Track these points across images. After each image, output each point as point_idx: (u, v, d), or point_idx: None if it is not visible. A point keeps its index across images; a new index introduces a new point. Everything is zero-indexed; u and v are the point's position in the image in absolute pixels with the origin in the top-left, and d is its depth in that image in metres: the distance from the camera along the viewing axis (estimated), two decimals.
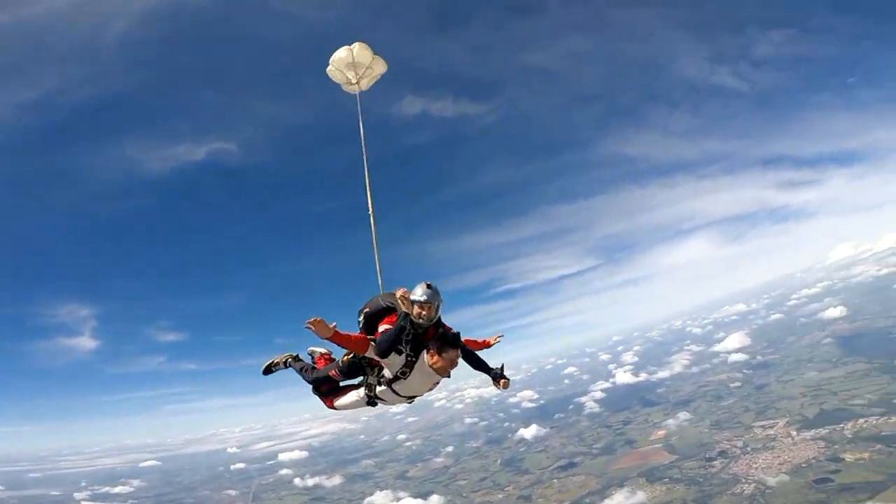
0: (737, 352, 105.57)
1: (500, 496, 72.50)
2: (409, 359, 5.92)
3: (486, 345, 7.36)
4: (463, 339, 6.44)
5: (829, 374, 75.31)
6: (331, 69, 8.51)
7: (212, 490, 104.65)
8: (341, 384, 6.76)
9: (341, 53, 8.33)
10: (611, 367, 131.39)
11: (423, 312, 5.93)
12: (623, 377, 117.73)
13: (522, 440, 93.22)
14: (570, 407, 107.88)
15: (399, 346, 5.95)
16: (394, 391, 6.19)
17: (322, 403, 6.92)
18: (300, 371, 7.04)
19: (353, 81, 8.49)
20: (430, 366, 5.91)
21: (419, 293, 5.99)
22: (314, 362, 7.18)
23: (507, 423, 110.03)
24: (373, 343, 5.94)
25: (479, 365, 6.63)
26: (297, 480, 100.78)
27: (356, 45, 8.30)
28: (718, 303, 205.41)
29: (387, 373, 6.11)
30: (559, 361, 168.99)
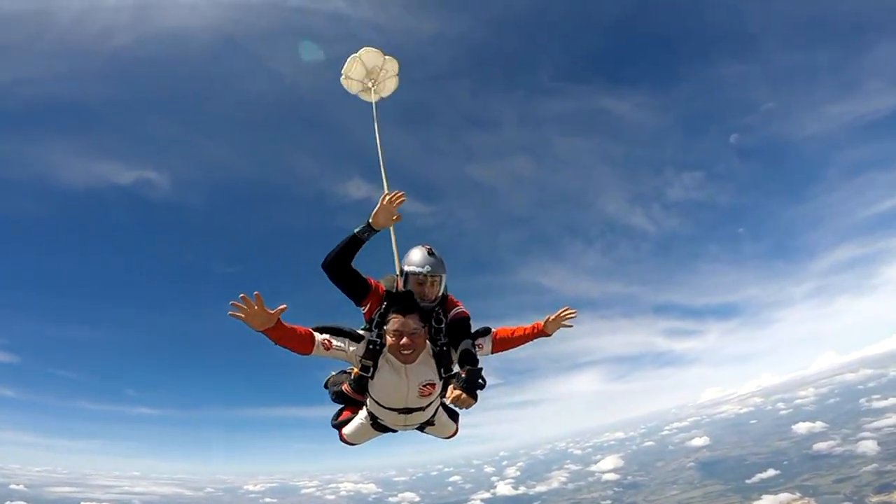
0: (610, 472, 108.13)
1: None
2: (370, 347, 4.03)
3: (537, 332, 4.93)
4: (495, 328, 4.79)
5: (689, 495, 79.16)
6: (344, 79, 8.15)
7: None
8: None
9: (353, 62, 7.98)
10: (493, 479, 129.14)
11: (424, 290, 4.15)
12: (504, 489, 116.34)
13: None
14: None
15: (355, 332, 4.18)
16: (375, 401, 4.23)
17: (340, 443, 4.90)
18: (330, 385, 4.83)
19: (370, 86, 8.04)
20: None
21: (417, 261, 4.17)
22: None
23: None
24: (320, 338, 4.02)
25: (462, 352, 4.19)
26: None
27: (363, 51, 7.93)
28: (600, 429, 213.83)
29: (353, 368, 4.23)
30: (445, 469, 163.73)
